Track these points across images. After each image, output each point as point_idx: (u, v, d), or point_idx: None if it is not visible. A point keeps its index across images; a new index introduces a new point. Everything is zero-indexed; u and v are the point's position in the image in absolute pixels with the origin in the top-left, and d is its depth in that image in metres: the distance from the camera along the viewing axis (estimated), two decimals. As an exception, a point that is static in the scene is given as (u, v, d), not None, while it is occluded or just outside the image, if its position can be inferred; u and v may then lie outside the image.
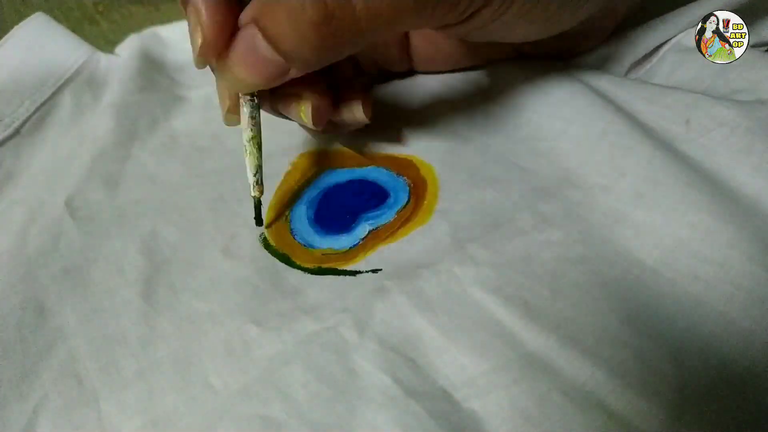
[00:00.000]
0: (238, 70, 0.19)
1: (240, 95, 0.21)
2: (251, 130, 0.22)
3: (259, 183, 0.23)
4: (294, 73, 0.19)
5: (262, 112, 0.23)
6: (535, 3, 0.20)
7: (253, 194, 0.23)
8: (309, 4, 0.17)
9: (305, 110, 0.22)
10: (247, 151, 0.22)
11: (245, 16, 0.18)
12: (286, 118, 0.24)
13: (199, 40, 0.18)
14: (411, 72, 0.30)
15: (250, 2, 0.18)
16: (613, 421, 0.15)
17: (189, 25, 0.19)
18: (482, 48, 0.27)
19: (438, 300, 0.19)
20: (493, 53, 0.28)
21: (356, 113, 0.23)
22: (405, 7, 0.17)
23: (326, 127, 0.24)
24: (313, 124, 0.22)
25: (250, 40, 0.18)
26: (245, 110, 0.22)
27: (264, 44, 0.18)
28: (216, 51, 0.19)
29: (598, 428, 0.15)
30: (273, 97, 0.23)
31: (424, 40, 0.28)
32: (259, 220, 0.24)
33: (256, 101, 0.22)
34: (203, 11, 0.18)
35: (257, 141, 0.22)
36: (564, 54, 0.28)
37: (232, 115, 0.22)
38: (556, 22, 0.22)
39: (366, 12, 0.17)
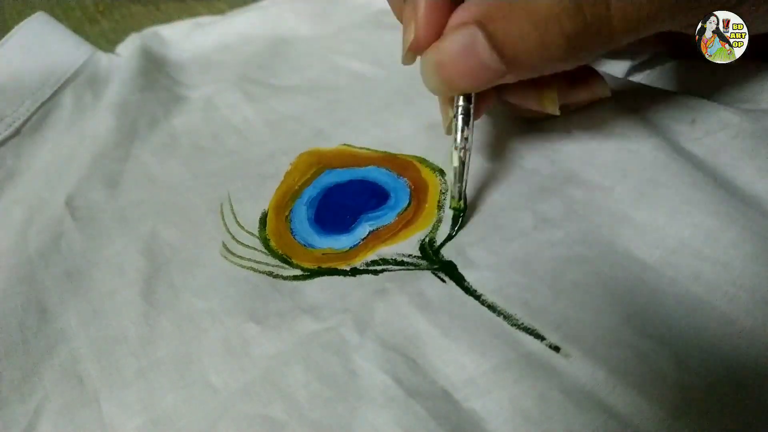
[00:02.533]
0: (448, 71, 0.18)
1: (455, 99, 0.20)
2: (463, 139, 0.20)
3: (462, 197, 0.21)
4: (509, 79, 0.18)
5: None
6: None
7: (452, 206, 0.22)
8: (566, 16, 0.16)
9: (550, 96, 0.20)
10: (454, 162, 0.21)
11: (464, 15, 0.17)
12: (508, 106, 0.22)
13: (411, 35, 0.18)
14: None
15: (471, 1, 0.17)
16: (614, 421, 0.15)
17: (404, 21, 0.19)
18: None
19: (438, 300, 0.19)
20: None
21: (597, 90, 0.22)
22: (666, 6, 0.16)
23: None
24: (557, 110, 0.21)
25: (468, 41, 0.17)
26: (458, 117, 0.20)
27: (485, 48, 0.17)
28: (427, 47, 0.18)
29: (599, 428, 0.15)
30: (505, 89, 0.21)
31: None
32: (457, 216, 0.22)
33: (470, 106, 0.20)
34: (421, 6, 0.18)
35: (467, 154, 0.21)
36: None
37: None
38: None
39: (623, 18, 0.16)
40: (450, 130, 0.21)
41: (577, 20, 0.16)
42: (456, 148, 0.20)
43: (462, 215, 0.22)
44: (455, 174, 0.21)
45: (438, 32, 0.18)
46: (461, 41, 0.17)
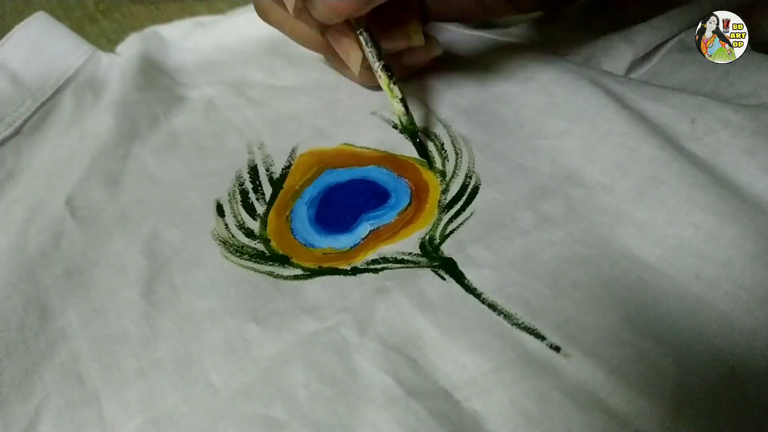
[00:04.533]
0: (330, 2, 0.22)
1: (357, 35, 0.25)
2: (378, 59, 0.25)
3: (404, 101, 0.25)
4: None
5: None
6: None
7: (404, 127, 0.26)
8: None
9: (415, 29, 0.26)
10: (383, 81, 0.25)
11: None
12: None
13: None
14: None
15: None
16: (614, 421, 0.15)
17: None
18: None
19: (439, 300, 0.19)
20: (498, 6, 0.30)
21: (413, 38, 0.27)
22: None
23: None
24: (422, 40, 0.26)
25: None
26: (363, 42, 0.25)
27: None
28: None
29: (599, 428, 0.15)
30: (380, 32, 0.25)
31: None
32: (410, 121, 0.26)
33: (368, 33, 0.25)
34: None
35: (388, 67, 0.25)
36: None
37: (366, 70, 0.25)
38: None
39: None
40: (364, 75, 0.26)
41: None
42: (378, 67, 0.25)
43: (418, 133, 0.25)
44: (388, 90, 0.25)
45: None
46: None
